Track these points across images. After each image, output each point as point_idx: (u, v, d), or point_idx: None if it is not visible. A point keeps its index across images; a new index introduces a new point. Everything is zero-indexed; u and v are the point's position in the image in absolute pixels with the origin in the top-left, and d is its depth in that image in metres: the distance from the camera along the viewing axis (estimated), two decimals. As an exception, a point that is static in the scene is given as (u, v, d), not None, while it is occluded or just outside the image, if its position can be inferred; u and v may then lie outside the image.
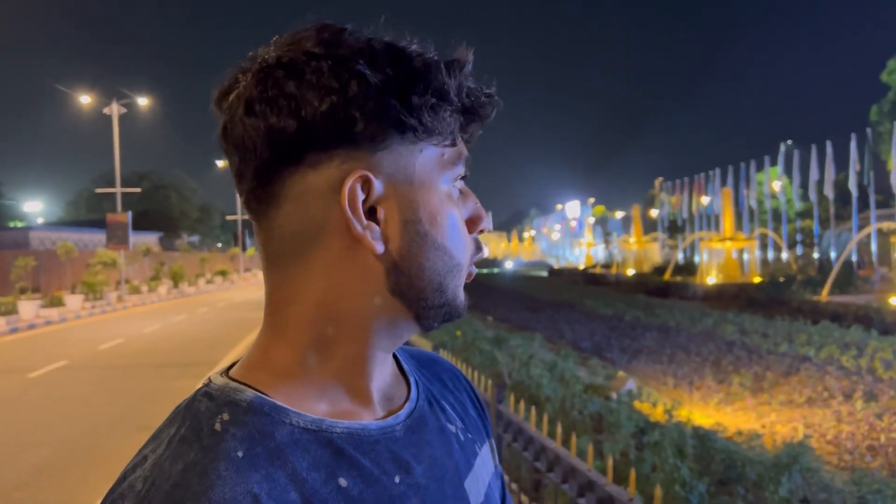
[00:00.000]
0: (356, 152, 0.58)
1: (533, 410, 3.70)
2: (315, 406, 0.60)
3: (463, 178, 0.64)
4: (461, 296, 0.64)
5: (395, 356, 0.70)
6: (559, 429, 3.25)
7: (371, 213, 0.59)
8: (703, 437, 4.95)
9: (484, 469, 0.71)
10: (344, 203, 0.58)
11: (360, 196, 0.58)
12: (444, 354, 6.99)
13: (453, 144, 0.62)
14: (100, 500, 0.56)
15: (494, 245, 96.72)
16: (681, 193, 44.66)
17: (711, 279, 25.72)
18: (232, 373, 0.62)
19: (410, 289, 0.61)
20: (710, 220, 40.64)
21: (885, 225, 22.10)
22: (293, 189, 0.59)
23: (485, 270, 53.20)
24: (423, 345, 7.65)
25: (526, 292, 26.17)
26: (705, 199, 41.01)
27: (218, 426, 0.56)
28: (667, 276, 29.09)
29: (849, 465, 5.58)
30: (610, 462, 2.60)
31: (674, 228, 43.30)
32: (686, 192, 43.46)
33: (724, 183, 36.77)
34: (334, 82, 0.57)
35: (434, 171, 0.61)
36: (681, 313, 15.85)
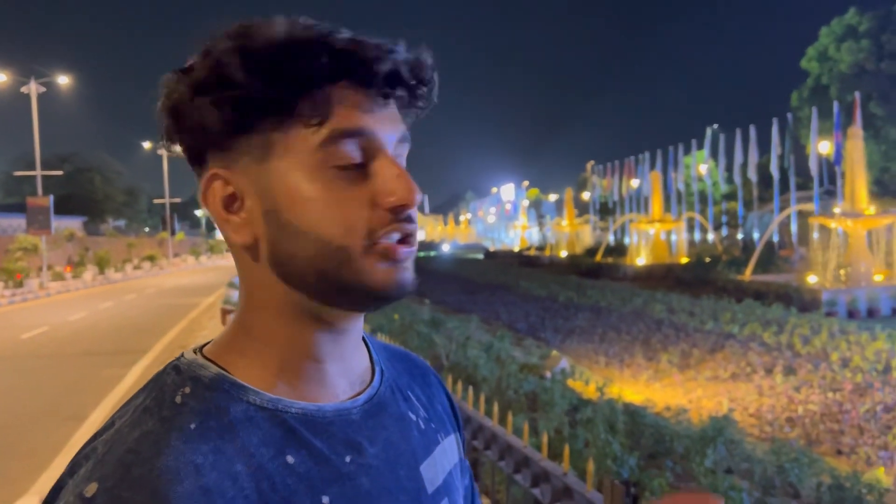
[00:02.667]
0: (216, 151, 0.61)
1: (470, 390, 3.75)
2: (275, 387, 0.62)
3: (357, 151, 0.61)
4: (377, 278, 0.61)
5: (367, 347, 0.72)
6: (496, 408, 3.31)
7: (238, 207, 0.62)
8: (634, 413, 5.12)
9: (445, 458, 0.72)
10: (202, 201, 0.62)
11: (219, 193, 0.62)
12: (380, 337, 6.99)
13: (323, 121, 0.59)
14: (25, 496, 0.55)
15: (431, 228, 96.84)
16: (612, 177, 45.62)
17: (641, 260, 26.45)
18: (205, 350, 0.64)
19: (293, 277, 0.62)
20: (639, 203, 41.71)
21: (804, 207, 23.15)
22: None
23: (422, 254, 53.24)
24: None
25: (463, 275, 26.36)
26: (635, 182, 42.00)
27: (178, 399, 0.59)
28: (598, 257, 29.76)
29: (769, 435, 5.87)
30: (545, 439, 2.67)
31: (605, 211, 44.25)
32: (617, 175, 44.42)
33: (653, 166, 37.74)
34: (171, 88, 0.60)
35: (301, 153, 0.60)
36: (612, 293, 16.26)
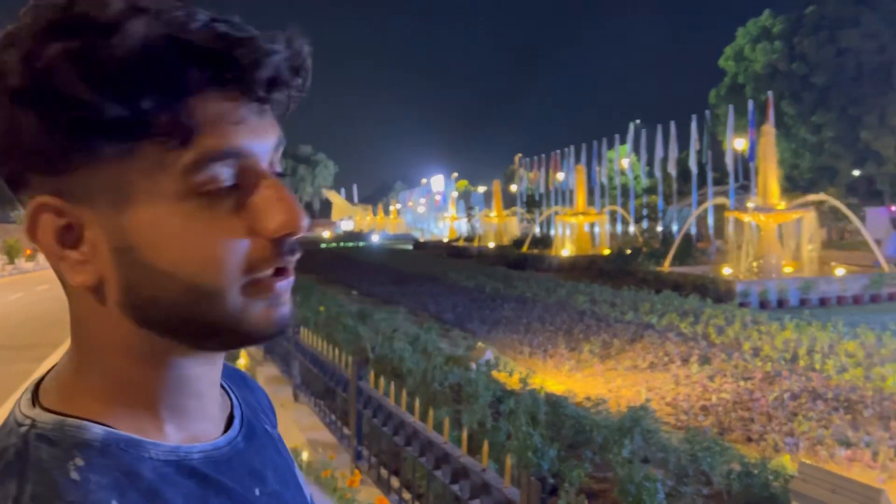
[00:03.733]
0: (44, 175, 0.49)
1: (392, 386, 3.71)
2: (165, 434, 0.54)
3: (230, 175, 0.50)
4: (254, 320, 0.52)
5: None
6: (417, 403, 3.28)
7: (76, 241, 0.51)
8: (555, 404, 5.19)
9: (301, 474, 0.69)
10: (28, 235, 0.51)
11: (51, 225, 0.50)
12: (305, 332, 6.87)
13: (186, 141, 0.48)
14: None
15: (360, 218, 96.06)
16: (538, 169, 46.38)
17: (566, 251, 26.96)
18: (48, 402, 0.52)
19: (153, 323, 0.52)
20: (565, 196, 42.54)
21: (721, 201, 24.11)
22: None
23: (350, 244, 52.76)
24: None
25: (391, 266, 26.22)
26: (561, 176, 42.82)
27: (75, 475, 0.47)
28: (525, 248, 30.17)
29: (685, 424, 6.07)
30: (465, 434, 2.66)
31: (531, 203, 44.90)
32: (543, 168, 45.19)
33: (577, 160, 38.53)
34: None
35: (160, 181, 0.49)
36: (537, 284, 16.50)
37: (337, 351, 4.85)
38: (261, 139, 0.52)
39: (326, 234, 78.43)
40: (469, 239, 43.36)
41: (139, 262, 0.50)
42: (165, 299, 0.51)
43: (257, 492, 0.57)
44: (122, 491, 0.48)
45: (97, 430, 0.50)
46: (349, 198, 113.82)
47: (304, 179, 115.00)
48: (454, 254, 35.54)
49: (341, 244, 53.93)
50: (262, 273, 0.52)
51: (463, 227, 58.40)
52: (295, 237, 0.52)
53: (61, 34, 0.46)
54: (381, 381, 3.71)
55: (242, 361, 7.52)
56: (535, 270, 22.77)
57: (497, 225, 39.51)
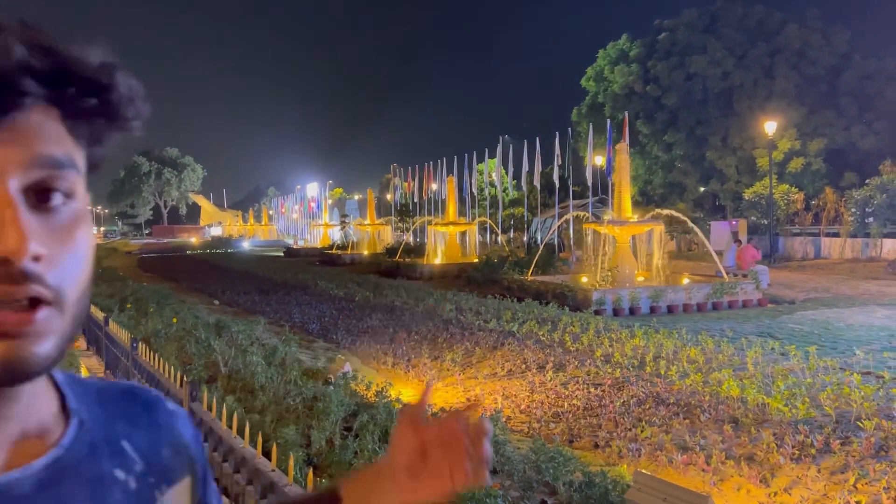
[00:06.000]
0: None
1: (224, 408, 3.46)
2: None
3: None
4: None
5: (61, 393, 0.62)
6: (248, 426, 3.06)
7: None
8: (409, 418, 5.09)
9: None
10: None
11: None
12: (143, 348, 6.38)
13: None
14: None
15: (230, 224, 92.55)
16: (412, 179, 46.68)
17: (437, 260, 27.22)
18: None
19: None
20: (437, 205, 43.05)
21: (581, 213, 25.22)
22: None
23: (219, 251, 50.59)
24: (123, 333, 6.91)
25: (260, 273, 25.33)
26: (434, 186, 43.30)
27: None
28: (397, 257, 30.17)
29: (537, 431, 6.17)
30: (290, 463, 2.48)
31: (405, 212, 45.10)
32: (417, 178, 45.54)
33: (449, 171, 39.12)
34: None
35: None
36: (407, 293, 16.47)
37: (172, 369, 4.50)
38: None
39: (193, 240, 74.90)
40: (342, 247, 42.85)
41: None
42: None
43: None
44: None
45: None
46: (219, 203, 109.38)
47: (170, 183, 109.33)
48: (327, 261, 34.95)
49: (209, 250, 51.60)
50: None
51: (337, 234, 57.69)
52: (16, 264, 0.48)
53: None
54: (214, 403, 3.45)
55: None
56: (406, 279, 22.76)
57: (371, 233, 39.34)
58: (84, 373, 7.07)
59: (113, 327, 7.41)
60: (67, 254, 0.52)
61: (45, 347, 0.51)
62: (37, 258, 0.49)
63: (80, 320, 0.55)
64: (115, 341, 7.09)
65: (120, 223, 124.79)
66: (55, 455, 0.57)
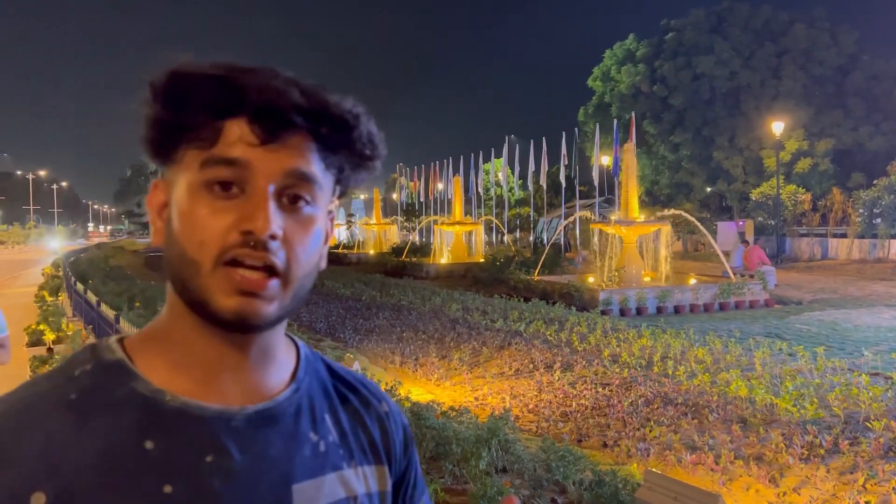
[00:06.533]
0: (164, 163, 0.72)
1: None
2: (165, 380, 0.69)
3: (229, 178, 0.66)
4: (219, 300, 0.66)
5: (300, 362, 0.79)
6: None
7: (164, 214, 0.72)
8: (418, 415, 5.12)
9: (342, 485, 0.75)
10: (147, 204, 0.74)
11: (155, 200, 0.73)
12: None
13: (211, 146, 0.67)
14: None
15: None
16: (418, 179, 46.75)
17: (443, 259, 27.24)
18: (128, 337, 0.74)
19: (172, 282, 0.70)
20: (443, 205, 43.09)
21: (587, 213, 25.20)
22: None
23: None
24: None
25: (263, 273, 25.44)
26: (440, 185, 43.33)
27: (77, 372, 0.70)
28: (403, 256, 30.21)
29: (545, 431, 6.18)
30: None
31: (411, 211, 45.15)
32: (423, 177, 45.58)
33: (455, 171, 39.20)
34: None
35: (190, 171, 0.68)
36: (413, 292, 16.50)
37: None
38: (265, 160, 0.67)
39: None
40: (349, 246, 42.93)
41: (170, 231, 0.70)
42: (173, 262, 0.69)
43: (208, 458, 0.67)
44: (86, 394, 0.67)
45: (116, 356, 0.71)
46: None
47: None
48: (333, 260, 34.95)
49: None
50: (228, 255, 0.66)
51: (343, 233, 57.88)
52: (258, 236, 0.65)
53: (159, 75, 0.68)
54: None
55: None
56: (412, 278, 22.80)
57: (377, 232, 39.38)
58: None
59: (124, 325, 7.46)
60: (299, 244, 0.69)
61: (269, 309, 0.68)
62: (273, 237, 0.66)
63: (301, 297, 0.71)
64: (126, 339, 7.13)
65: (126, 222, 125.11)
66: (266, 406, 0.73)
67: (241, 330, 0.68)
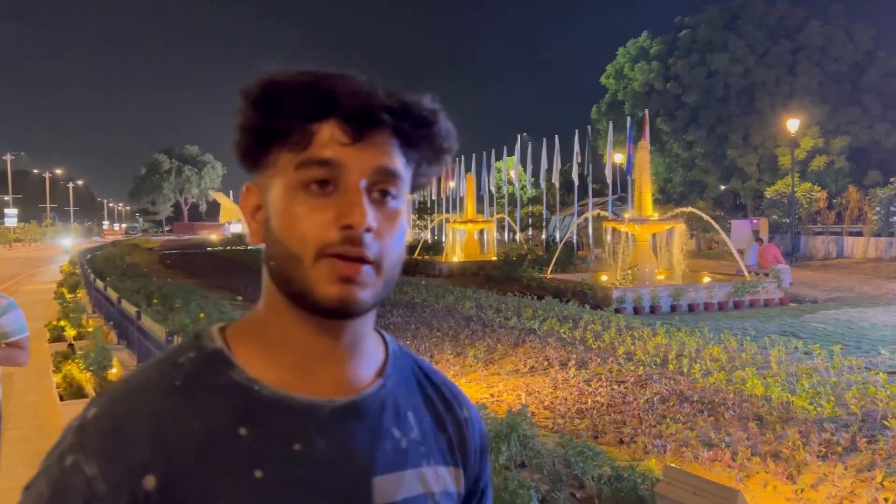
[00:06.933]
0: (255, 168, 0.77)
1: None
2: (260, 370, 0.75)
3: (324, 177, 0.71)
4: (322, 288, 0.70)
5: (388, 358, 0.83)
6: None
7: (259, 215, 0.77)
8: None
9: (420, 482, 0.78)
10: (240, 204, 0.79)
11: (249, 202, 0.78)
12: (177, 340, 6.51)
13: (304, 149, 0.71)
14: None
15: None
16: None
17: (455, 258, 27.29)
18: (228, 327, 0.79)
19: (273, 276, 0.75)
20: (455, 203, 43.11)
21: (600, 211, 25.17)
22: None
23: (238, 248, 51.03)
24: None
25: (277, 270, 25.57)
26: (452, 183, 43.34)
27: (182, 359, 0.75)
28: (416, 254, 30.29)
29: (561, 427, 6.22)
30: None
31: (423, 210, 45.20)
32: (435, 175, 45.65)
33: (468, 169, 39.19)
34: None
35: (285, 173, 0.72)
36: (426, 290, 16.56)
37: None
38: (356, 160, 0.72)
39: (213, 236, 75.40)
40: (359, 244, 43.00)
41: (269, 230, 0.75)
42: (275, 258, 0.74)
43: (296, 446, 0.72)
44: (188, 380, 0.73)
45: (216, 346, 0.76)
46: (238, 200, 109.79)
47: (190, 180, 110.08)
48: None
49: (229, 247, 52.02)
50: (329, 250, 0.70)
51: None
52: (355, 230, 0.70)
53: (250, 83, 0.73)
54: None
55: (115, 371, 7.04)
56: (425, 276, 22.87)
57: (388, 230, 39.46)
58: (116, 366, 7.23)
59: (146, 321, 7.56)
60: (388, 236, 0.74)
61: (365, 295, 0.72)
62: (368, 230, 0.71)
63: (391, 285, 0.76)
64: (149, 335, 7.22)
65: (141, 220, 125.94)
66: (353, 399, 0.77)
67: (340, 315, 0.72)
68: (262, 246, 0.76)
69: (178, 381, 0.72)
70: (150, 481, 0.67)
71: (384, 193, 0.74)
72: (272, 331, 0.76)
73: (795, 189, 30.16)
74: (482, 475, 0.90)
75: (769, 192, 33.29)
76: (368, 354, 0.81)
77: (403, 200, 0.77)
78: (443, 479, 0.82)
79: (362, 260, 0.71)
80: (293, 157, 0.72)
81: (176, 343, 0.81)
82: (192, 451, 0.69)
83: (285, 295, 0.74)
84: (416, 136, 0.75)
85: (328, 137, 0.72)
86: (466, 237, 28.66)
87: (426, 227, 41.03)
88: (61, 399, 6.55)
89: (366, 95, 0.71)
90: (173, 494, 0.67)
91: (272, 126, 0.72)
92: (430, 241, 34.48)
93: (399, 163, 0.75)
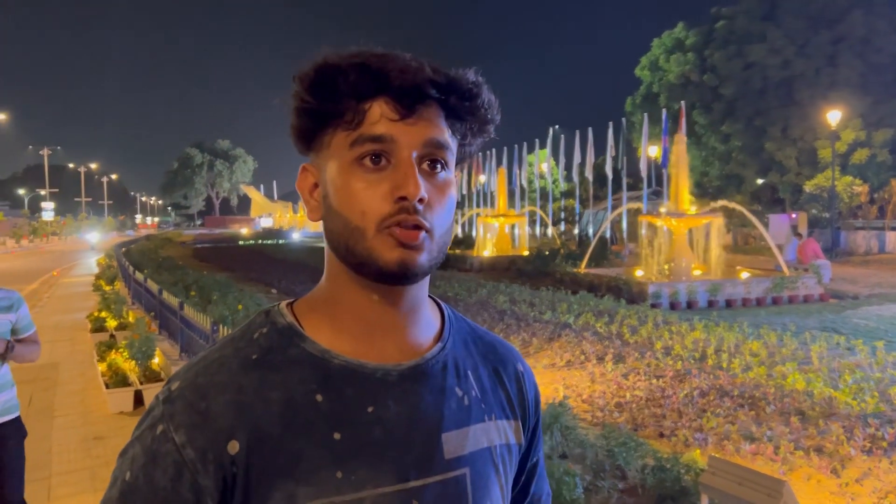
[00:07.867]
0: (309, 149, 0.82)
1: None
2: (330, 340, 0.80)
3: (377, 152, 0.75)
4: (384, 255, 0.75)
5: (444, 327, 0.88)
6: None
7: (316, 193, 0.82)
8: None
9: (485, 435, 0.84)
10: (297, 185, 0.84)
11: (305, 182, 0.83)
12: (222, 330, 6.66)
13: (357, 127, 0.75)
14: None
15: (280, 216, 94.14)
16: (461, 171, 46.75)
17: (487, 252, 27.26)
18: (295, 302, 0.85)
19: (335, 250, 0.80)
20: (486, 197, 43.03)
21: (634, 205, 24.92)
22: None
23: (270, 242, 51.60)
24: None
25: (311, 263, 25.80)
26: (483, 178, 43.26)
27: (255, 335, 0.80)
28: (447, 249, 30.31)
29: (600, 420, 6.21)
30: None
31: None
32: (466, 169, 45.60)
33: (499, 163, 39.04)
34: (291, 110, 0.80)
35: (340, 151, 0.77)
36: (458, 284, 16.59)
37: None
38: (407, 134, 0.76)
39: (245, 230, 76.32)
40: (391, 238, 43.20)
41: (328, 205, 0.79)
42: (336, 232, 0.78)
43: (370, 409, 0.77)
44: (265, 354, 0.78)
45: (287, 320, 0.81)
46: (269, 194, 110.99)
47: (222, 175, 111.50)
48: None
49: (260, 241, 52.63)
50: (388, 221, 0.75)
51: (385, 226, 58.34)
52: (410, 201, 0.74)
53: (303, 67, 0.77)
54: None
55: (157, 360, 7.21)
56: (456, 270, 22.89)
57: (419, 225, 39.56)
58: (159, 356, 7.40)
59: (189, 312, 7.71)
60: (439, 204, 0.78)
61: (422, 259, 0.77)
62: (421, 200, 0.76)
63: (443, 251, 0.81)
64: (192, 325, 7.36)
65: (173, 213, 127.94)
66: (417, 362, 0.82)
67: (402, 280, 0.77)
68: (315, 220, 0.82)
69: (255, 355, 0.77)
70: (234, 446, 0.73)
71: (434, 165, 0.78)
72: (338, 303, 0.81)
73: (836, 183, 29.51)
74: (538, 424, 0.97)
75: (808, 186, 32.62)
76: (427, 320, 0.86)
77: (453, 172, 0.81)
78: (504, 431, 0.87)
79: (418, 227, 0.75)
80: (347, 136, 0.76)
81: (252, 318, 0.86)
82: (274, 418, 0.74)
83: (349, 266, 0.79)
84: (462, 108, 0.79)
85: (379, 114, 0.76)
86: (498, 232, 28.60)
87: (457, 222, 41.04)
88: (107, 387, 6.72)
89: (414, 72, 0.75)
90: (258, 458, 0.73)
91: (327, 108, 0.77)
92: (460, 236, 34.48)
93: (447, 134, 0.79)
